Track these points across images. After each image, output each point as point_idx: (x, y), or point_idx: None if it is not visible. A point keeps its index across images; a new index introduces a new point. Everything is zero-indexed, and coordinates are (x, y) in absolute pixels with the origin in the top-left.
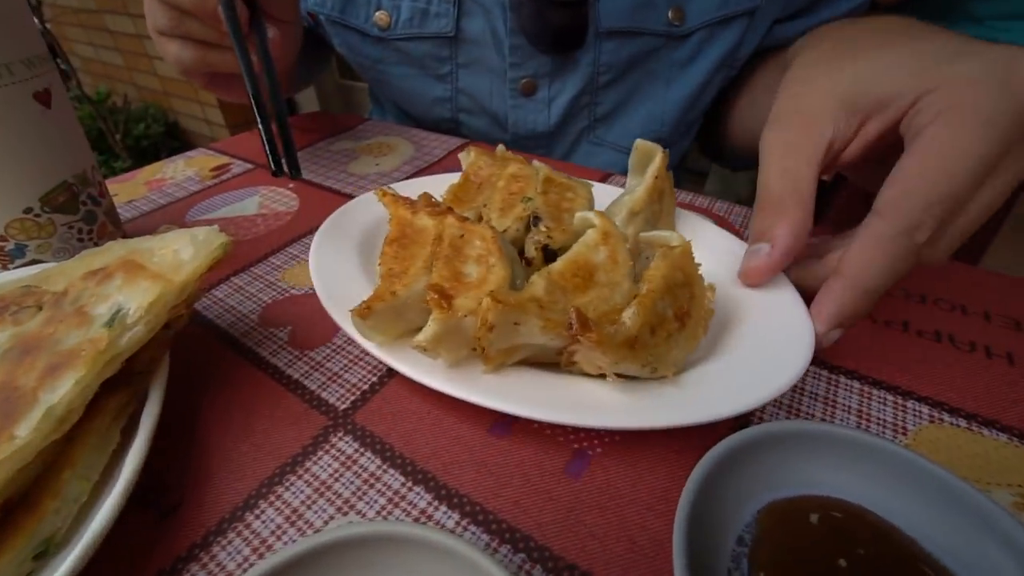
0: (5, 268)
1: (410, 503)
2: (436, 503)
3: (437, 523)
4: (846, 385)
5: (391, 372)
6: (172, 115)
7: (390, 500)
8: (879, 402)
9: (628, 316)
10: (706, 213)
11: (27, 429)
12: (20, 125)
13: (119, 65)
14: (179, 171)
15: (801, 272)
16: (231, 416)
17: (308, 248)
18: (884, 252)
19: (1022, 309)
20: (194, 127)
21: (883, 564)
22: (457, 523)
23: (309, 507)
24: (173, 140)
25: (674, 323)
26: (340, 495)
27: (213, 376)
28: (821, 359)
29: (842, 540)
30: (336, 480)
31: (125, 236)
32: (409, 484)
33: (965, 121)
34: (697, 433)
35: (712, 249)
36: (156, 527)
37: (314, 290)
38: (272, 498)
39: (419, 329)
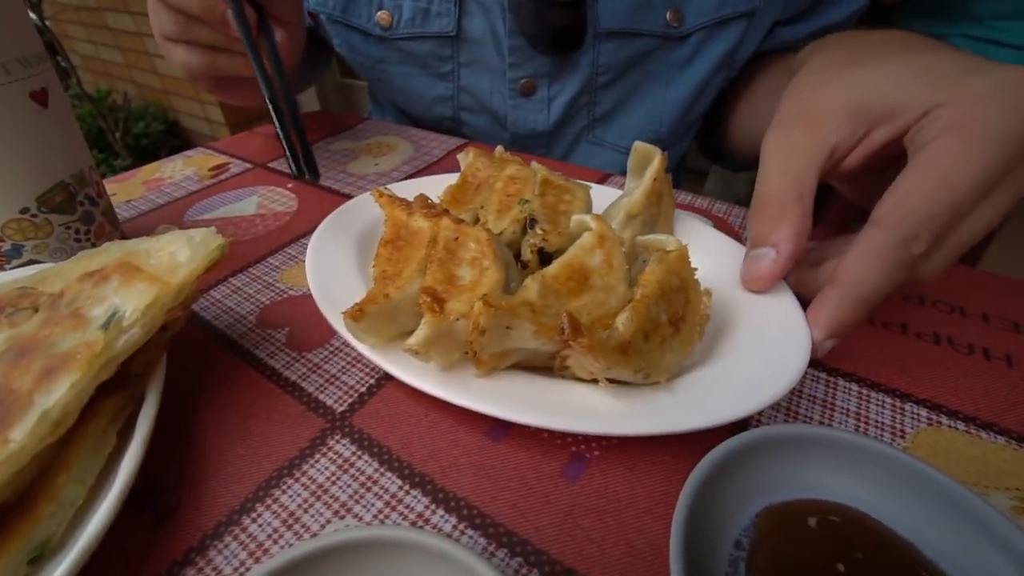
0: (1, 269)
1: (407, 506)
2: (434, 506)
3: (435, 527)
4: (844, 387)
5: (389, 375)
6: (172, 113)
7: (387, 503)
8: (877, 405)
9: (621, 321)
10: (705, 214)
11: (22, 433)
12: (16, 125)
13: (119, 63)
14: (178, 170)
15: (797, 280)
16: (228, 418)
17: (306, 249)
18: (881, 262)
19: (1021, 311)
20: (194, 126)
21: (882, 569)
22: (454, 527)
23: (306, 511)
24: (173, 138)
25: (668, 328)
26: (337, 498)
27: (210, 378)
28: (819, 361)
29: (840, 545)
30: (333, 483)
31: (123, 236)
32: (407, 487)
33: (973, 137)
34: (695, 436)
35: (710, 253)
36: (152, 531)
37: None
38: (269, 502)
39: (413, 332)
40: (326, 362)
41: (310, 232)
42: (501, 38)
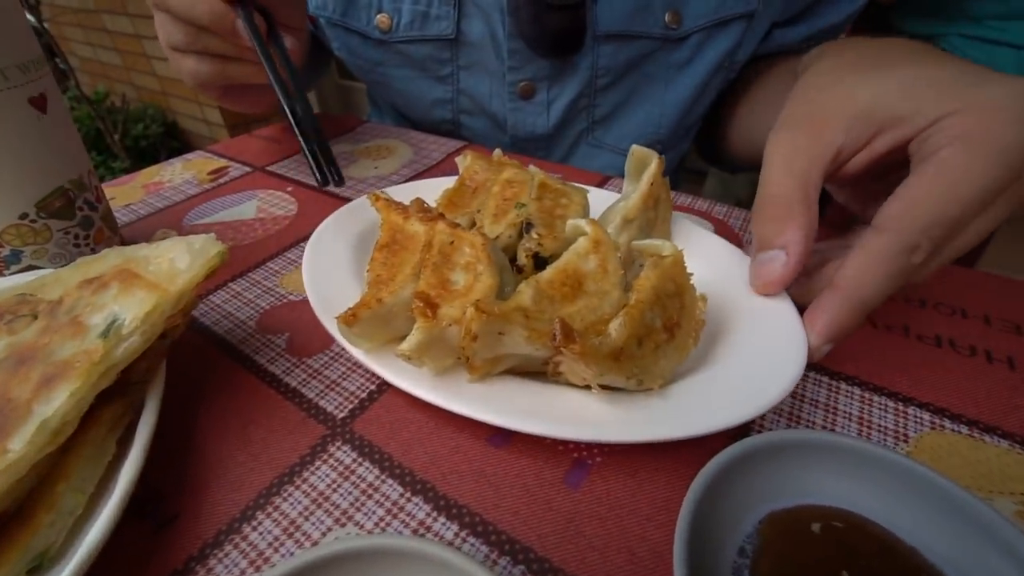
0: (0, 275)
1: (409, 514)
2: (435, 514)
3: (436, 534)
4: (847, 391)
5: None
6: (171, 115)
7: (388, 511)
8: (880, 409)
9: (614, 327)
10: (706, 217)
11: (21, 442)
12: (15, 130)
13: (117, 65)
14: (177, 174)
15: (796, 287)
16: (228, 425)
17: None
18: (883, 268)
19: (1022, 312)
20: (193, 127)
21: (886, 575)
22: (456, 534)
23: (307, 519)
24: (172, 140)
25: (663, 334)
26: (338, 506)
27: (209, 384)
28: (821, 365)
29: (844, 551)
30: (334, 491)
31: (122, 241)
32: (408, 495)
33: (981, 148)
34: (696, 442)
35: (707, 257)
36: (152, 540)
37: None
38: (269, 509)
39: (407, 337)
40: (326, 368)
41: (310, 236)
42: (500, 41)
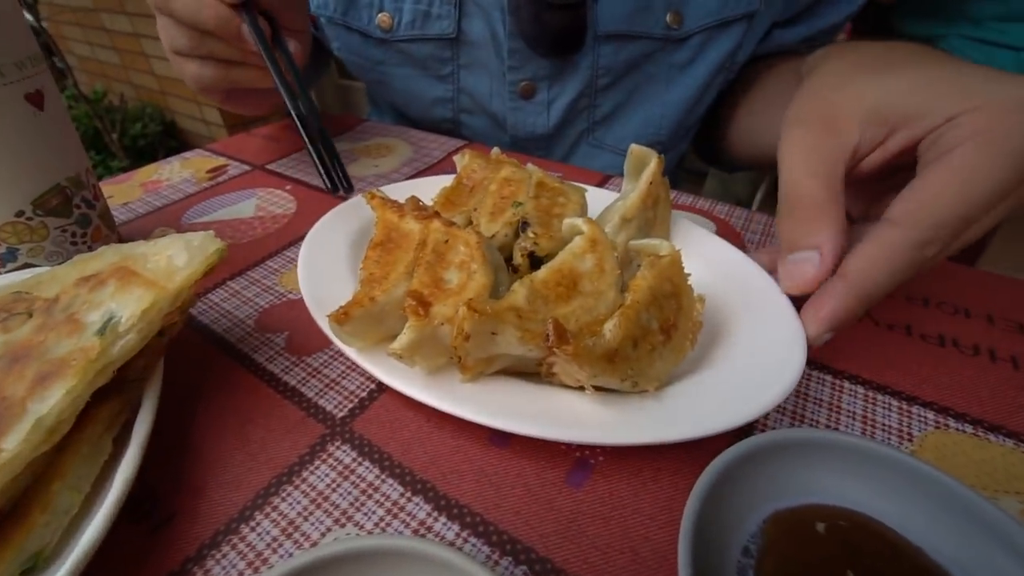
0: None
1: (409, 514)
2: (436, 514)
3: (437, 534)
4: (850, 390)
5: None
6: (169, 114)
7: (389, 511)
8: (884, 407)
9: (609, 328)
10: (707, 216)
11: (15, 441)
12: (12, 127)
13: (116, 64)
14: (175, 173)
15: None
16: (226, 424)
17: None
18: (892, 261)
19: None
20: (192, 127)
21: (891, 575)
22: (457, 534)
23: (306, 519)
24: (171, 139)
25: (659, 336)
26: (338, 506)
27: (208, 383)
28: (824, 363)
29: (849, 550)
30: (334, 491)
31: (120, 239)
32: (408, 495)
33: (995, 147)
34: (700, 442)
35: (706, 258)
36: (149, 540)
37: None
38: (268, 510)
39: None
40: (326, 367)
41: None
42: (501, 40)
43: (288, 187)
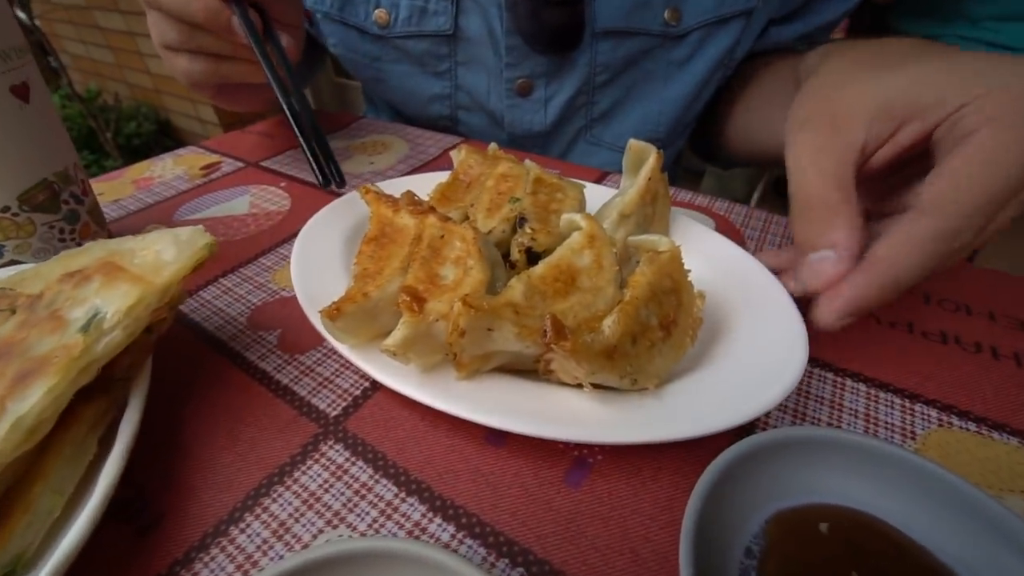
0: None
1: (403, 515)
2: (431, 515)
3: (432, 536)
4: (852, 388)
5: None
6: (164, 113)
7: (383, 512)
8: (886, 405)
9: (608, 324)
10: (706, 212)
11: None
12: None
13: (110, 63)
14: (168, 170)
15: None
16: (216, 424)
17: None
18: (922, 251)
19: None
20: (187, 125)
21: (896, 575)
22: (452, 536)
23: (297, 520)
24: (166, 139)
25: (659, 332)
26: (330, 507)
27: (198, 382)
28: (826, 361)
29: (853, 551)
30: (326, 491)
31: (110, 236)
32: (402, 495)
33: (1015, 131)
34: (700, 440)
35: (706, 254)
36: (135, 543)
37: None
38: (258, 511)
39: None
40: (319, 365)
41: None
42: (498, 37)
43: (282, 184)
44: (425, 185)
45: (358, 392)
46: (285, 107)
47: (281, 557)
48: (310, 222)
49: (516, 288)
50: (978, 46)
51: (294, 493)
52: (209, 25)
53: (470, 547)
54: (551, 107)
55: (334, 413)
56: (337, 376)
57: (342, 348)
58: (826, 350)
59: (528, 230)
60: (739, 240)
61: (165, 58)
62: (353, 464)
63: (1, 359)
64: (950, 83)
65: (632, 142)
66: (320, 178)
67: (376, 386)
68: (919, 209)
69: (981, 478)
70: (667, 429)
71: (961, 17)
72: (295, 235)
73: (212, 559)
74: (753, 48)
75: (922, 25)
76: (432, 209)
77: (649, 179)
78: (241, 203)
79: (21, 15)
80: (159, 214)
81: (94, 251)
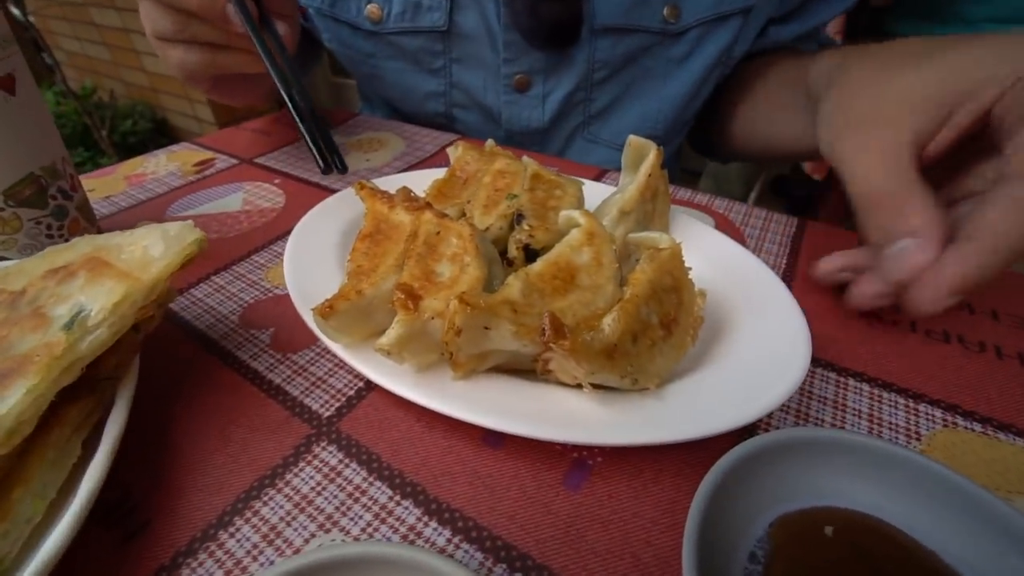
0: None
1: (398, 519)
2: (426, 518)
3: (427, 540)
4: (855, 388)
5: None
6: (160, 111)
7: (376, 516)
8: (890, 406)
9: (608, 323)
10: (706, 210)
11: None
12: None
13: (106, 60)
14: (161, 166)
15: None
16: (206, 425)
17: None
18: None
19: None
20: (183, 124)
21: None
22: (448, 540)
23: (289, 524)
24: (161, 137)
25: (659, 331)
26: (323, 510)
27: (188, 381)
28: (828, 360)
29: (859, 555)
30: (318, 494)
31: (100, 233)
32: (397, 498)
33: None
34: (702, 441)
35: (706, 252)
36: (120, 549)
37: None
38: (249, 514)
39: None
40: (312, 364)
41: None
42: (495, 33)
43: (277, 181)
44: (421, 182)
45: (352, 392)
46: (284, 95)
47: (272, 563)
48: (304, 219)
49: (514, 286)
50: None
51: (286, 496)
52: (204, 13)
53: (467, 552)
54: (549, 103)
55: (327, 414)
56: (331, 376)
57: (336, 347)
58: (828, 349)
59: (526, 227)
60: (739, 238)
61: (159, 49)
62: (347, 466)
63: None
64: (995, 62)
65: (632, 138)
66: (321, 164)
67: (370, 386)
68: (1014, 176)
69: (988, 479)
70: (669, 430)
71: (957, 19)
72: (289, 232)
73: (200, 564)
74: (753, 47)
75: (919, 27)
76: (428, 205)
77: (649, 175)
78: (235, 200)
79: (15, 11)
80: (151, 211)
81: (80, 247)
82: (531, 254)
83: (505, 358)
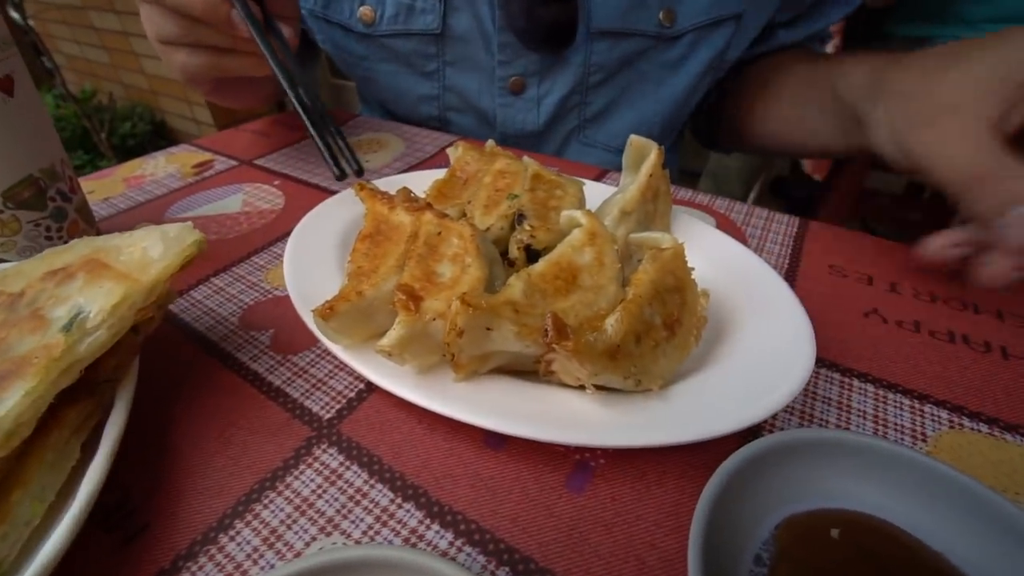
0: None
1: (400, 521)
2: (428, 521)
3: (429, 543)
4: (860, 389)
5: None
6: (159, 114)
7: (378, 519)
8: (895, 406)
9: (611, 323)
10: (707, 210)
11: None
12: None
13: (105, 63)
14: (160, 167)
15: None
16: (206, 427)
17: None
18: None
19: None
20: (182, 126)
21: None
22: (451, 543)
23: (289, 527)
24: (160, 139)
25: (662, 331)
26: (323, 513)
27: (188, 383)
28: (832, 361)
29: (865, 557)
30: (319, 497)
31: (99, 235)
32: (399, 501)
33: None
34: (706, 443)
35: (708, 252)
36: (120, 552)
37: None
38: (249, 517)
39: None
40: (313, 366)
41: None
42: (490, 35)
43: (276, 182)
44: (421, 182)
45: (353, 394)
46: (293, 98)
47: (272, 566)
48: (304, 220)
49: (515, 286)
50: None
51: (286, 499)
52: (208, 18)
53: (469, 555)
54: (544, 106)
55: (328, 416)
56: (331, 378)
57: (336, 349)
58: (831, 349)
59: (527, 227)
60: (741, 238)
61: (162, 53)
62: (347, 469)
63: None
64: None
65: (633, 138)
66: (335, 170)
67: (371, 388)
68: None
69: (995, 480)
70: (672, 432)
71: (957, 19)
72: (289, 233)
73: (200, 568)
74: (764, 49)
75: (920, 28)
76: (429, 206)
77: (650, 175)
78: (234, 201)
79: (14, 15)
80: (150, 212)
81: (79, 248)
82: (532, 254)
83: (507, 359)
